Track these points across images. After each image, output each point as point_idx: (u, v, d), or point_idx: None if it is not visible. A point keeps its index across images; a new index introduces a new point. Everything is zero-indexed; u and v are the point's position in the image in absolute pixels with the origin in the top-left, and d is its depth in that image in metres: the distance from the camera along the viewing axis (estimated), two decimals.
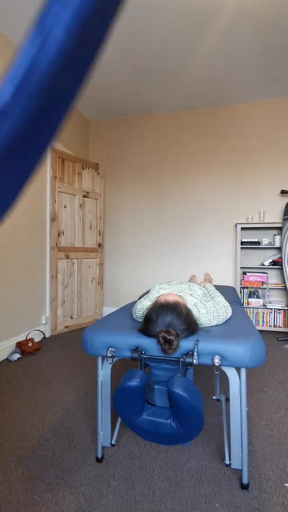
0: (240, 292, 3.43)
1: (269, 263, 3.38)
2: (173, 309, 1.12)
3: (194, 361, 1.04)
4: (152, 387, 1.09)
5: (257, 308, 3.41)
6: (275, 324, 3.36)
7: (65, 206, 3.33)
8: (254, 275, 3.40)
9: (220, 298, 1.48)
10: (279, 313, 3.35)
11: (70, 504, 1.04)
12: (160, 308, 1.13)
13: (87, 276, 3.62)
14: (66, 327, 3.34)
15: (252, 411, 1.66)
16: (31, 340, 2.67)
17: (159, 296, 1.26)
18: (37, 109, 0.26)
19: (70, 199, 3.40)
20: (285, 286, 3.36)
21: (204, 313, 1.28)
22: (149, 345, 1.13)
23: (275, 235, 3.39)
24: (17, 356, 2.44)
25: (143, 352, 1.12)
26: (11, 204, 0.34)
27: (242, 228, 3.55)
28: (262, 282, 3.38)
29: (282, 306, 3.33)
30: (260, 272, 3.47)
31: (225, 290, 2.42)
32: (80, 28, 0.25)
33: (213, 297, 1.64)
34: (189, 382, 1.04)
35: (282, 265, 3.32)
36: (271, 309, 3.37)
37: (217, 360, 1.06)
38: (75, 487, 1.12)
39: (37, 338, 2.95)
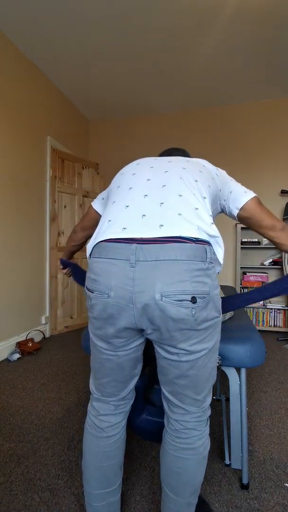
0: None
1: (269, 263, 3.38)
2: None
3: None
4: (153, 387, 1.09)
5: (257, 308, 3.41)
6: (275, 324, 3.36)
7: (65, 206, 3.33)
8: (254, 275, 3.40)
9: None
10: (279, 313, 3.35)
11: (70, 504, 1.04)
12: None
13: None
14: (66, 327, 3.34)
15: (252, 411, 1.66)
16: (31, 340, 2.67)
17: None
18: None
19: (70, 199, 3.40)
20: None
21: None
22: (150, 344, 1.12)
23: None
24: (17, 356, 2.44)
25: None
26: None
27: (242, 228, 3.55)
28: (262, 282, 3.38)
29: (282, 306, 3.33)
30: (260, 272, 3.47)
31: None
32: None
33: None
34: None
35: (282, 265, 3.32)
36: (271, 309, 3.37)
37: (217, 360, 1.05)
38: (75, 487, 1.12)
39: (37, 338, 2.95)
